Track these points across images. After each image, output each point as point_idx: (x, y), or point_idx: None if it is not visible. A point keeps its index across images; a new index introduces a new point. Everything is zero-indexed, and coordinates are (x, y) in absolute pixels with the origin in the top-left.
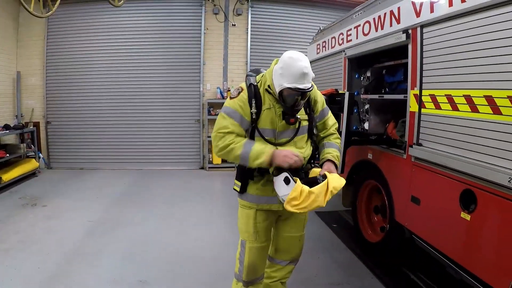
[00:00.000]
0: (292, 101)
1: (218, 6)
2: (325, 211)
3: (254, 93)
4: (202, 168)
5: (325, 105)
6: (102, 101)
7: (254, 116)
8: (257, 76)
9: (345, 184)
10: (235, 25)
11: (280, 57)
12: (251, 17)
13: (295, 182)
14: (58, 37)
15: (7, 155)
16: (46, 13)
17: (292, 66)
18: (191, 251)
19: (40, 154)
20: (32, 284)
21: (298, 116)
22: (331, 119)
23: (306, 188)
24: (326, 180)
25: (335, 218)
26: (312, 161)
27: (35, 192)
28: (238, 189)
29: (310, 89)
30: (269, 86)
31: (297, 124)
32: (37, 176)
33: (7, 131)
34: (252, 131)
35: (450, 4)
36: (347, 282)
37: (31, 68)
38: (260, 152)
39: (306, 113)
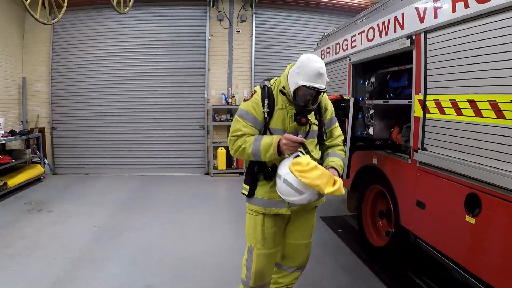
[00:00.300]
0: (305, 101)
1: (222, 12)
2: (330, 216)
3: (267, 94)
4: (207, 173)
5: (334, 115)
6: (107, 107)
7: (266, 116)
8: (271, 80)
9: (350, 189)
10: (239, 31)
11: (288, 63)
12: (255, 24)
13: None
14: (63, 43)
15: (13, 160)
16: (52, 20)
17: (309, 66)
18: (196, 256)
19: (45, 160)
20: None
21: (310, 118)
22: (337, 130)
23: (314, 162)
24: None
25: (340, 223)
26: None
27: (41, 198)
28: (246, 193)
29: (324, 90)
30: (283, 87)
31: (307, 127)
32: (42, 181)
33: (13, 137)
34: (264, 132)
35: (454, 10)
36: (353, 286)
37: (36, 74)
38: (268, 145)
39: (316, 118)
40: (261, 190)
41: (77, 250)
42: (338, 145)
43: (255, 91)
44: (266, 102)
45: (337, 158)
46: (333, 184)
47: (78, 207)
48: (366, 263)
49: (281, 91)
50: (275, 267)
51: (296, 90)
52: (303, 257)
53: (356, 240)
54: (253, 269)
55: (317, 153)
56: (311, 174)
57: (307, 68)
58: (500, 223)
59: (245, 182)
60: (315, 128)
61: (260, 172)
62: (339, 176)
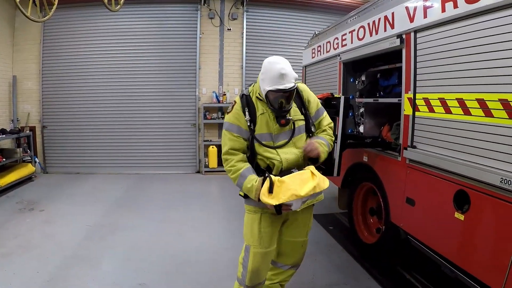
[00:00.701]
0: (279, 104)
1: (213, 10)
2: (322, 214)
3: (247, 102)
4: (199, 172)
5: (320, 106)
6: (98, 105)
7: (249, 124)
8: (250, 87)
9: (341, 186)
10: (230, 29)
11: None
12: (246, 22)
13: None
14: (54, 41)
15: (3, 159)
16: (42, 17)
17: (271, 69)
18: (189, 254)
19: (36, 159)
20: None
21: (290, 117)
22: (326, 119)
23: (276, 178)
24: (304, 170)
25: (331, 220)
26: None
27: (32, 197)
28: (243, 194)
29: (292, 89)
30: (259, 94)
31: (291, 125)
32: (34, 180)
33: (3, 136)
34: (251, 140)
35: (443, 10)
36: (344, 283)
37: (27, 73)
38: (250, 190)
39: (302, 113)
40: None
41: (69, 248)
42: (324, 130)
43: (235, 102)
44: (247, 110)
45: (320, 140)
46: (312, 178)
47: (70, 206)
48: (357, 260)
49: (258, 97)
50: (270, 264)
51: (268, 95)
52: (298, 255)
53: (347, 238)
54: (249, 268)
55: None
56: (281, 191)
57: (270, 72)
58: (488, 219)
59: None
60: (301, 123)
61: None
62: (318, 153)
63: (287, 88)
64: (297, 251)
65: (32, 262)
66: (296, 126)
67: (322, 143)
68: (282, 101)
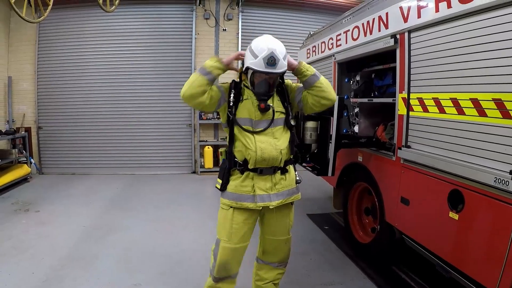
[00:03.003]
0: (262, 85)
1: (208, 11)
2: (317, 214)
3: (234, 85)
4: (194, 172)
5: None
6: (94, 106)
7: (231, 104)
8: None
9: (336, 186)
10: (225, 30)
11: None
12: (242, 22)
13: None
14: (49, 42)
15: None
16: (37, 18)
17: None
18: (184, 254)
19: (32, 160)
20: None
21: (270, 105)
22: None
23: None
24: None
25: (326, 220)
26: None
27: (28, 198)
28: (219, 186)
29: (280, 73)
30: (244, 81)
31: (271, 114)
32: (29, 181)
33: None
34: (231, 123)
35: (437, 10)
36: (339, 282)
37: (22, 73)
38: (212, 61)
39: (284, 106)
40: (233, 184)
41: (64, 249)
42: None
43: (226, 82)
44: (233, 92)
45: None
46: None
47: (65, 206)
48: (352, 259)
49: (245, 85)
50: (257, 262)
51: (252, 79)
52: (283, 252)
53: (342, 237)
54: (218, 261)
55: (285, 141)
56: None
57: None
58: (483, 218)
59: (219, 177)
60: (281, 116)
61: (232, 167)
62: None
63: (274, 72)
64: (282, 249)
65: (27, 263)
66: (275, 117)
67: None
68: (266, 79)
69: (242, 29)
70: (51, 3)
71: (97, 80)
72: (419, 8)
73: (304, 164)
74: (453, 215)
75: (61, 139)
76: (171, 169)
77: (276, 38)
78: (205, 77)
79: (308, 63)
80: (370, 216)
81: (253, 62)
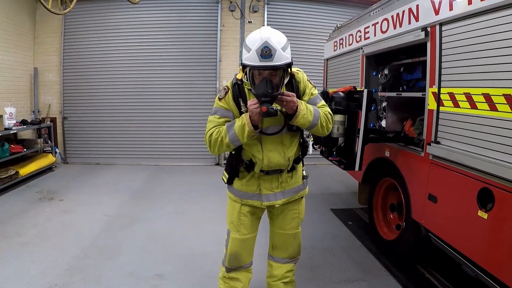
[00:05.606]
0: (263, 84)
1: (234, 3)
2: (340, 209)
3: (238, 92)
4: (218, 164)
5: (316, 94)
6: (118, 97)
7: (243, 110)
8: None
9: (362, 181)
10: (251, 22)
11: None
12: (267, 14)
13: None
14: (75, 33)
15: (24, 150)
16: (63, 10)
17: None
18: (206, 246)
19: (57, 149)
20: (49, 277)
21: (277, 108)
22: (320, 105)
23: None
24: None
25: (350, 215)
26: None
27: (52, 187)
28: (225, 180)
29: (275, 67)
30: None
31: (281, 120)
32: (54, 170)
33: (24, 126)
34: None
35: (470, 3)
36: (362, 279)
37: (48, 65)
38: (241, 126)
39: None
40: (238, 183)
41: (88, 238)
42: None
43: (228, 88)
44: (241, 101)
45: (310, 105)
46: None
47: (89, 196)
48: (376, 256)
49: (249, 89)
50: (268, 259)
51: (253, 79)
52: (292, 247)
53: (366, 233)
54: (228, 251)
55: (294, 149)
56: None
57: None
58: None
59: (225, 170)
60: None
61: (238, 164)
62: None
63: (267, 65)
64: (290, 243)
65: (50, 251)
66: (286, 123)
67: (308, 106)
68: (269, 80)
69: (268, 21)
70: None
71: (122, 71)
72: (451, 0)
73: (330, 158)
74: (482, 214)
75: (85, 129)
76: (195, 161)
77: (301, 30)
78: (233, 145)
79: (335, 56)
80: (396, 213)
81: (247, 57)
